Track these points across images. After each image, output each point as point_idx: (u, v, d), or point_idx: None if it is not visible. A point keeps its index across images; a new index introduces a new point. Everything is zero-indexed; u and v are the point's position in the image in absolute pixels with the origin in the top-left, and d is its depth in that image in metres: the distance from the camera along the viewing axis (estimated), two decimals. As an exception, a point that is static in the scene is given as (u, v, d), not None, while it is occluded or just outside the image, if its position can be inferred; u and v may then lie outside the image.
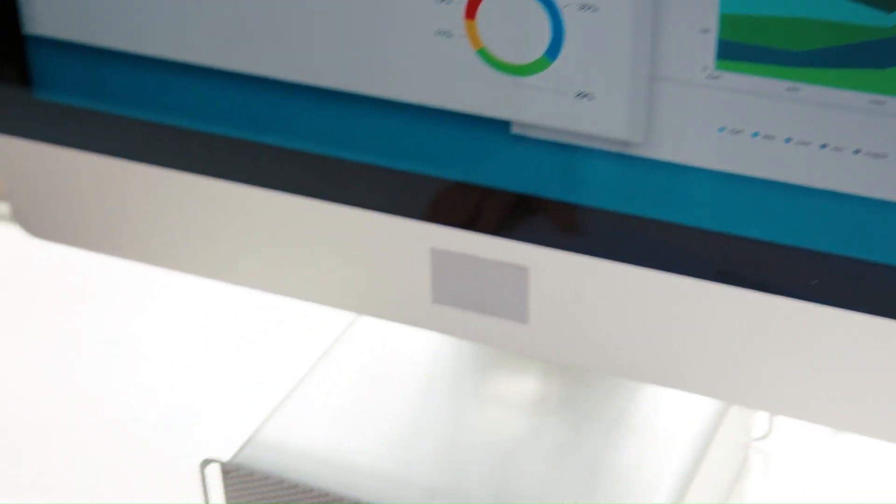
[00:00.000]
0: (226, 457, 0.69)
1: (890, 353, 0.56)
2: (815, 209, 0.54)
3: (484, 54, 0.57)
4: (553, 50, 0.56)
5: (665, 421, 0.70)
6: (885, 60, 0.50)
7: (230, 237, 0.68)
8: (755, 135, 0.54)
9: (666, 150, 0.56)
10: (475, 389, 0.73)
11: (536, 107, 0.57)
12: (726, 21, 0.52)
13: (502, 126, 0.59)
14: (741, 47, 0.52)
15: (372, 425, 0.70)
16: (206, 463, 0.70)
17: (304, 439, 0.70)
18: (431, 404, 0.72)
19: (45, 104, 0.69)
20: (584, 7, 0.54)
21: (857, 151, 0.52)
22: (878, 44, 0.50)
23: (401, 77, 0.59)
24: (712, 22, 0.52)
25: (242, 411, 0.85)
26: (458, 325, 0.65)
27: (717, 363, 0.59)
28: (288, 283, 0.68)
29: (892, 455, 0.79)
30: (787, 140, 0.53)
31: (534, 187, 0.59)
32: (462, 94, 0.59)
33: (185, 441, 0.84)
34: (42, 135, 0.70)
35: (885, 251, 0.54)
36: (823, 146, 0.53)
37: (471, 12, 0.56)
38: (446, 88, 0.59)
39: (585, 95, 0.56)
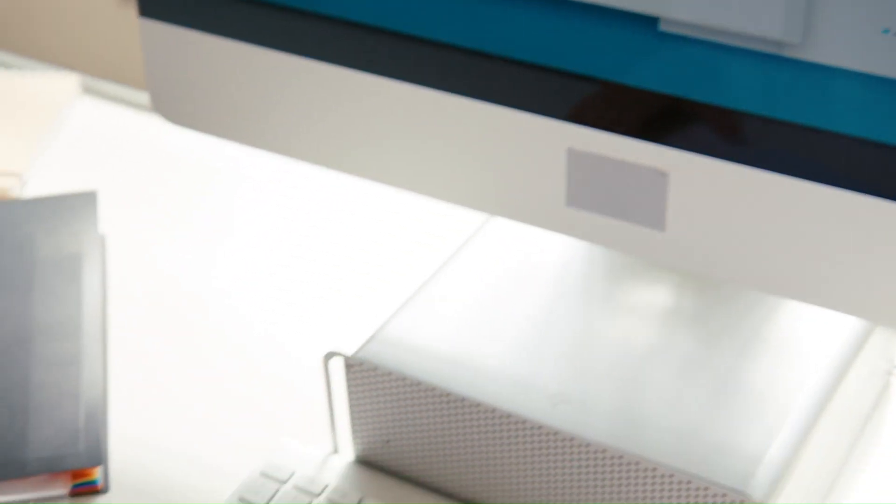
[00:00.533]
0: (350, 351, 0.69)
1: None
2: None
3: (634, -56, 0.55)
4: (708, -59, 0.53)
5: (803, 340, 0.68)
6: None
7: (367, 131, 0.67)
8: (921, 38, 0.50)
9: (823, 53, 0.52)
10: (607, 297, 0.71)
11: (686, 2, 0.54)
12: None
13: (650, 23, 0.56)
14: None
15: (499, 328, 0.69)
16: (329, 356, 0.70)
17: (430, 338, 0.69)
18: (561, 310, 0.70)
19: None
20: None
21: None
22: None
23: (546, -33, 0.57)
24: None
25: (370, 307, 0.85)
26: (592, 229, 0.63)
27: (863, 281, 0.57)
28: (422, 181, 0.67)
29: None
30: (956, 45, 0.50)
31: (680, 88, 0.57)
32: (609, -13, 0.56)
33: (310, 334, 0.84)
34: (185, 20, 0.69)
35: None
36: None
37: None
38: (593, -20, 0.56)
39: (740, -9, 0.53)
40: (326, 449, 0.73)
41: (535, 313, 0.70)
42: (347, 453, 0.73)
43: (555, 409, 0.64)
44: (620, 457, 0.62)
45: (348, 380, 0.69)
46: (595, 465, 0.63)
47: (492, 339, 0.69)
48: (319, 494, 0.71)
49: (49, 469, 0.72)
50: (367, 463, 0.72)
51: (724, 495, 0.60)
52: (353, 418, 0.71)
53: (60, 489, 0.72)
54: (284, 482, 0.71)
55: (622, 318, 0.70)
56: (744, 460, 0.61)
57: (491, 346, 0.68)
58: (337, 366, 0.70)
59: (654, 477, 0.62)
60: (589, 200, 0.62)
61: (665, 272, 0.72)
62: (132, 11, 1.18)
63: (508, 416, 0.65)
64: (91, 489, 0.74)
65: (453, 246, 0.75)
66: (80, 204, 0.91)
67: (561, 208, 0.63)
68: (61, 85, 1.07)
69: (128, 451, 0.76)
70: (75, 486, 0.73)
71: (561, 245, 0.74)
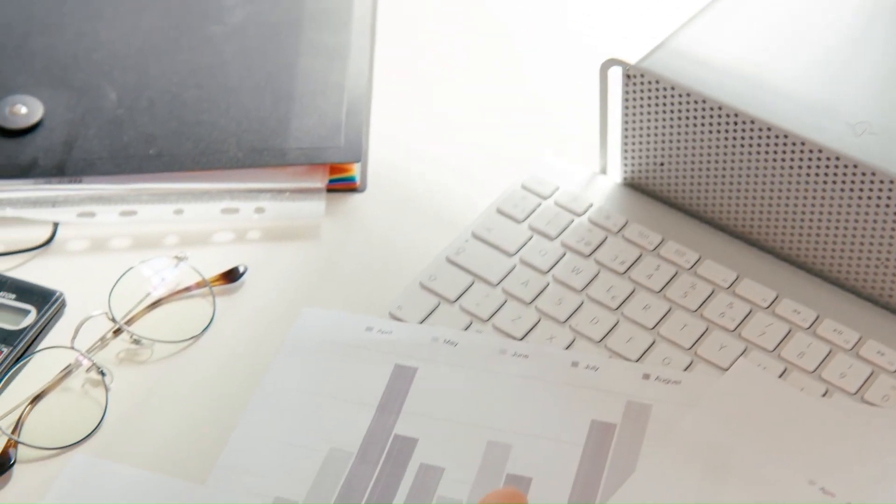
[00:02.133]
0: (631, 60, 0.63)
1: None
2: None
3: None
4: None
5: None
6: None
7: None
8: None
9: None
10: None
11: None
12: None
13: None
14: None
15: (801, 46, 0.62)
16: (608, 65, 0.64)
17: (722, 52, 0.62)
18: (874, 32, 0.62)
19: None
20: None
21: None
22: None
23: None
24: None
25: (659, 16, 0.78)
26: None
27: None
28: None
29: None
30: None
31: None
32: None
33: (590, 42, 0.78)
34: None
35: None
36: None
37: None
38: None
39: None
40: (594, 168, 0.69)
41: (844, 33, 0.62)
42: (616, 174, 0.68)
43: (857, 139, 0.57)
44: (928, 198, 0.55)
45: (626, 93, 0.64)
46: (896, 205, 0.57)
47: (792, 58, 0.62)
48: (582, 214, 0.66)
49: (308, 160, 0.70)
50: (636, 186, 0.67)
51: None
52: (626, 136, 0.66)
53: (317, 182, 0.70)
54: (546, 198, 0.67)
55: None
56: None
57: (790, 66, 0.61)
58: (615, 76, 0.64)
59: (965, 224, 0.55)
60: None
61: None
62: None
63: (803, 142, 0.58)
64: (348, 186, 0.71)
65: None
66: None
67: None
68: None
69: (387, 152, 0.73)
70: (332, 181, 0.71)
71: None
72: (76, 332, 0.63)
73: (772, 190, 0.61)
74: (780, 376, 0.59)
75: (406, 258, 0.67)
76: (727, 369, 0.59)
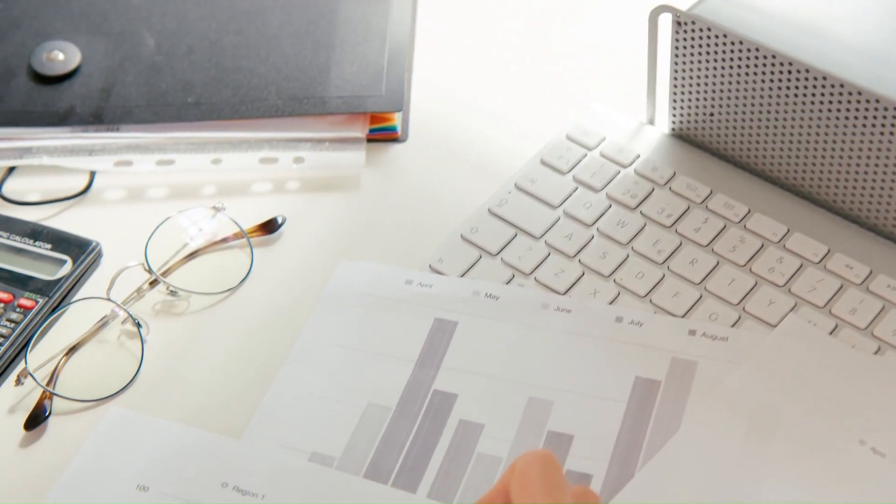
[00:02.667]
0: (682, 6, 0.61)
1: None
2: None
3: None
4: None
5: None
6: None
7: None
8: None
9: None
10: None
11: None
12: None
13: None
14: None
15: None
16: (658, 11, 0.62)
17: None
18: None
19: None
20: None
21: None
22: None
23: None
24: None
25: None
26: None
27: None
28: None
29: None
30: None
31: None
32: None
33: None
34: None
35: None
36: None
37: None
38: None
39: None
40: (641, 118, 0.67)
41: (906, -20, 0.60)
42: (664, 125, 0.66)
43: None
44: None
45: (676, 40, 0.62)
46: (955, 159, 0.55)
47: (848, 4, 0.60)
48: (628, 166, 0.65)
49: (348, 109, 0.69)
50: (684, 137, 0.66)
51: None
52: (675, 86, 0.64)
53: (358, 132, 0.69)
54: (591, 149, 0.66)
55: None
56: None
57: (846, 12, 0.59)
58: (665, 23, 0.63)
59: None
60: None
61: None
62: None
63: (859, 91, 0.56)
64: (389, 136, 0.70)
65: None
66: None
67: None
68: None
69: (429, 101, 0.72)
70: (373, 131, 0.70)
71: None
72: (112, 282, 0.62)
73: (825, 141, 0.59)
74: (831, 333, 0.57)
75: (447, 210, 0.66)
76: (776, 326, 0.58)
